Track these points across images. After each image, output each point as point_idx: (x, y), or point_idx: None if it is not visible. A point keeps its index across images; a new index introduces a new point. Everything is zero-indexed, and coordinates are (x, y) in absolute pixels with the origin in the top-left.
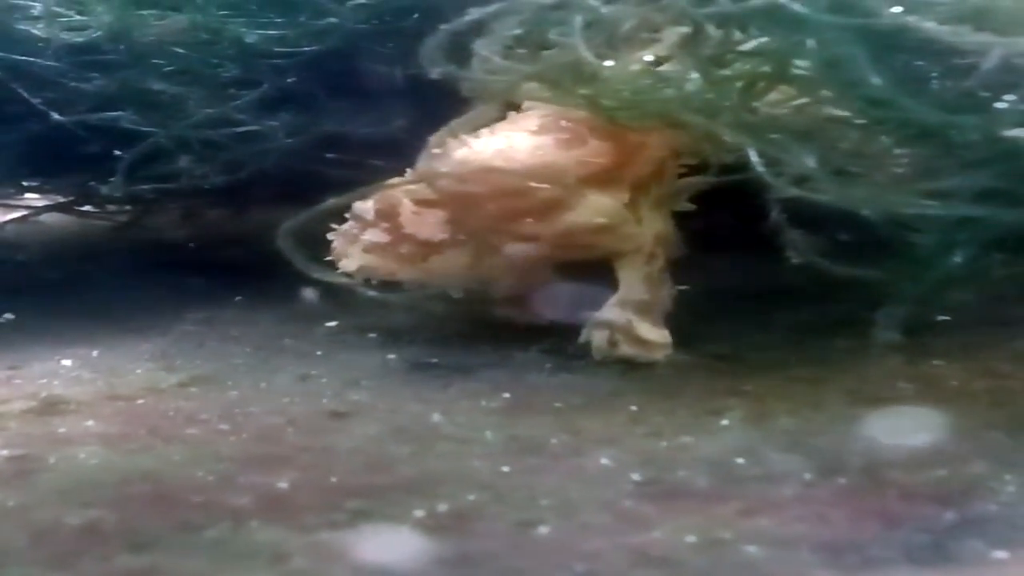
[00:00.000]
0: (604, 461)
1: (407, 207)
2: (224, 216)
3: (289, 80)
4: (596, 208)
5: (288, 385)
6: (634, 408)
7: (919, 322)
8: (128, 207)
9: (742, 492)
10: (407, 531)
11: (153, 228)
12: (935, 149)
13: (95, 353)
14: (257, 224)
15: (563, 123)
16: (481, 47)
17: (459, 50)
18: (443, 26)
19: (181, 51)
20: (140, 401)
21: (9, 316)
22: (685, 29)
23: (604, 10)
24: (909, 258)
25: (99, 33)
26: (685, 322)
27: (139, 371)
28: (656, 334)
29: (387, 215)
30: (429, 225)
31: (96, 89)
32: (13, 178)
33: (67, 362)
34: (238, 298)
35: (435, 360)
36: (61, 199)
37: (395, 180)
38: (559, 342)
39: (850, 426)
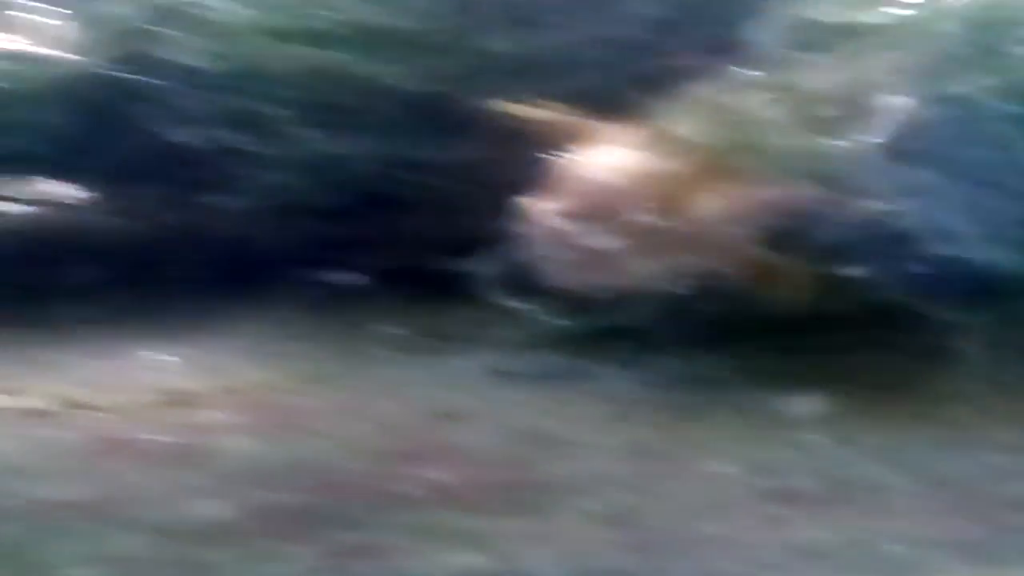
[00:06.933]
0: (729, 469)
1: (556, 221)
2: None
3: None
4: None
5: (390, 387)
6: (723, 422)
7: None
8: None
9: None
10: (584, 523)
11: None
12: None
13: (179, 350)
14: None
15: None
16: None
17: None
18: None
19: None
20: (257, 396)
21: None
22: None
23: None
24: None
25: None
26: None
27: (237, 368)
28: None
29: (547, 233)
30: (593, 235)
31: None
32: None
33: (161, 357)
34: (287, 304)
35: (515, 369)
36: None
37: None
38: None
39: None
